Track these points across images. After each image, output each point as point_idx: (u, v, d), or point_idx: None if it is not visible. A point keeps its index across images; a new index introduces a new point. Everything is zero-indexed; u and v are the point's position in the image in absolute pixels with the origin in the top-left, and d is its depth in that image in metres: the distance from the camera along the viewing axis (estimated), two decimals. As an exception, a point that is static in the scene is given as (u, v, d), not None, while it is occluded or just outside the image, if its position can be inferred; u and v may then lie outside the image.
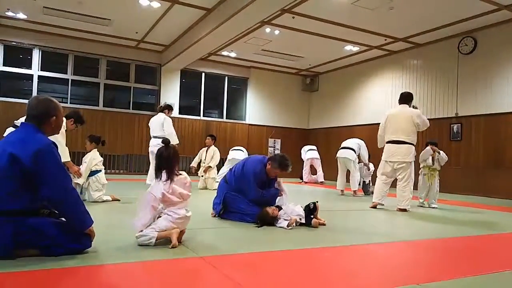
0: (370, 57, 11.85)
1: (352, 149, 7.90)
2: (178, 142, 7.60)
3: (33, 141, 2.26)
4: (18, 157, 2.18)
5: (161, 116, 7.49)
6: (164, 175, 2.81)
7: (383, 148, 5.90)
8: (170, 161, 2.84)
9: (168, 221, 2.74)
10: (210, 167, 7.98)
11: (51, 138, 2.48)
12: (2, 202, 2.18)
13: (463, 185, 9.09)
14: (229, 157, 9.33)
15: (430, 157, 6.33)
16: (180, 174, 2.90)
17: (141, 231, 2.71)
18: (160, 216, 2.79)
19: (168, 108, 7.64)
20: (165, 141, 2.98)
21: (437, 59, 10.11)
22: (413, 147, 5.65)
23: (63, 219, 2.41)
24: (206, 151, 8.22)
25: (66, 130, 4.92)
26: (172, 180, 2.80)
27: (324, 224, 3.93)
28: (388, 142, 5.75)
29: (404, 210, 5.50)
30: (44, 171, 2.22)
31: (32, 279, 1.97)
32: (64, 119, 4.79)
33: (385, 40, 10.29)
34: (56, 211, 2.40)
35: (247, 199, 4.05)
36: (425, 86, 10.40)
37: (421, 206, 6.17)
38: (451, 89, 9.75)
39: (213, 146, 8.27)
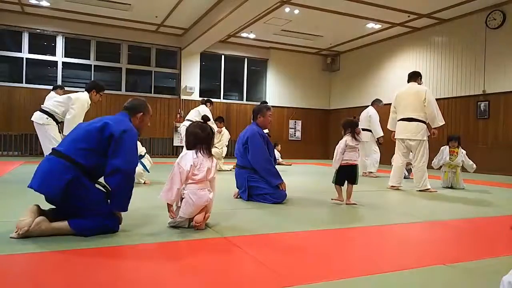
0: (393, 34, 11.56)
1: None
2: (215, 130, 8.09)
3: (125, 123, 2.69)
4: (110, 126, 2.55)
5: (202, 107, 8.07)
6: (200, 150, 2.80)
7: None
8: (209, 139, 2.85)
9: (190, 205, 2.70)
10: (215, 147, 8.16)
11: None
12: (76, 154, 2.49)
13: (490, 164, 8.88)
14: None
15: (447, 154, 5.98)
16: (212, 156, 2.89)
17: (173, 221, 2.77)
18: (183, 198, 2.76)
19: (210, 102, 8.33)
20: (205, 118, 3.00)
21: (463, 34, 9.78)
22: (424, 125, 5.50)
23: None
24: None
25: (90, 104, 5.08)
26: (205, 155, 2.79)
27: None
28: (399, 120, 5.69)
29: (425, 190, 5.36)
30: (123, 145, 2.53)
31: (64, 259, 2.06)
32: (86, 93, 4.97)
33: (409, 16, 9.99)
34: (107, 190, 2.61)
35: (259, 164, 4.06)
36: (450, 64, 10.11)
37: (447, 187, 5.98)
38: (478, 65, 9.44)
39: (223, 128, 8.41)
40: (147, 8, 10.13)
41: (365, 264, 2.14)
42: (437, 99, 5.76)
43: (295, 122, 14.16)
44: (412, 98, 5.54)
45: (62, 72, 11.33)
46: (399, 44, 11.67)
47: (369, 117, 7.88)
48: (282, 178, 4.11)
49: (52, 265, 1.98)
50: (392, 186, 5.67)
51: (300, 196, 4.47)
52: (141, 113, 2.85)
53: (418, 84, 5.67)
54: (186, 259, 2.16)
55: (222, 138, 8.33)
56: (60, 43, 11.27)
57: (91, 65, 11.69)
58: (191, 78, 12.65)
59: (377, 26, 10.91)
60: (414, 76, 5.73)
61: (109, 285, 1.73)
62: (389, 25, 10.77)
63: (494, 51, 9.09)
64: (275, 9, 9.65)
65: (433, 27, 10.52)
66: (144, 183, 5.47)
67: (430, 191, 5.35)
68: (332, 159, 4.29)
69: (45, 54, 11.23)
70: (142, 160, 5.41)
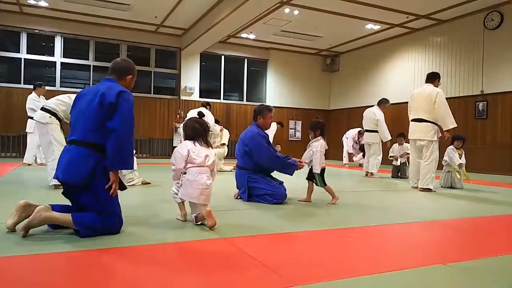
0: (391, 35, 11.59)
1: None
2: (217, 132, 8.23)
3: (116, 87, 2.64)
4: (105, 94, 2.54)
5: (202, 108, 7.99)
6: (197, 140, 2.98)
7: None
8: (205, 132, 3.01)
9: (187, 186, 2.84)
10: (217, 146, 8.19)
11: None
12: (92, 136, 2.53)
13: (489, 164, 8.90)
14: None
15: (456, 157, 6.06)
16: (210, 146, 3.03)
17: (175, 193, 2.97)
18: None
19: (209, 105, 8.26)
20: (200, 114, 3.09)
21: (461, 35, 9.80)
22: (435, 126, 5.52)
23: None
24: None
25: None
26: (202, 143, 2.95)
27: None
28: (411, 121, 5.77)
29: (427, 190, 5.41)
30: (118, 107, 2.53)
31: (62, 260, 2.07)
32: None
33: (407, 17, 10.02)
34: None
35: (267, 162, 4.12)
36: (448, 64, 10.13)
37: (446, 187, 6.05)
38: (476, 66, 9.47)
39: (224, 129, 8.53)
40: (147, 8, 10.13)
41: (365, 264, 2.14)
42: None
43: (295, 122, 14.17)
44: (424, 99, 5.59)
45: (60, 72, 11.32)
46: (398, 44, 11.69)
47: (376, 120, 7.56)
48: (287, 170, 4.22)
49: (51, 266, 1.98)
50: (412, 186, 5.83)
51: (300, 196, 4.47)
52: (131, 76, 2.83)
53: (435, 85, 5.66)
54: (186, 260, 2.16)
55: (223, 137, 8.38)
56: (58, 43, 11.27)
57: (90, 65, 11.68)
58: (191, 79, 12.65)
59: (376, 27, 10.93)
60: (432, 78, 5.75)
61: (110, 285, 1.74)
62: (388, 26, 10.79)
63: (492, 51, 9.11)
64: (275, 9, 9.66)
65: (431, 28, 10.54)
66: (143, 183, 5.36)
67: (430, 191, 5.41)
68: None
69: (43, 54, 11.22)
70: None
